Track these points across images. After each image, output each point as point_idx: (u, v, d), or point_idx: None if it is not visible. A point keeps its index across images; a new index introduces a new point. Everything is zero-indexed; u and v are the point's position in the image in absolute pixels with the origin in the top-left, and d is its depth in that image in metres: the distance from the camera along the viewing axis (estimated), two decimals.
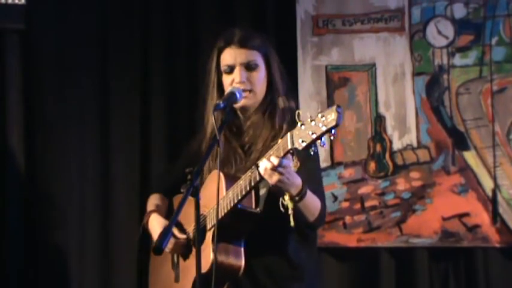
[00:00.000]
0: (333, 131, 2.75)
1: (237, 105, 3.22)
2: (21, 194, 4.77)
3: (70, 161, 4.85)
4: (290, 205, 3.01)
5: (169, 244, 3.25)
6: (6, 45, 4.80)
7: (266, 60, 3.26)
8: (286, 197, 3.01)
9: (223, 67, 3.26)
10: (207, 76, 3.32)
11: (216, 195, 3.02)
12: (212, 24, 4.88)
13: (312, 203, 3.09)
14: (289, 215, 3.01)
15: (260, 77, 3.24)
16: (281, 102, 3.26)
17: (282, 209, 3.02)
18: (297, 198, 3.01)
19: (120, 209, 4.87)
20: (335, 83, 4.84)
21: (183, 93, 4.93)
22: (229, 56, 3.24)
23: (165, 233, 2.86)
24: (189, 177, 2.98)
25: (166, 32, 4.94)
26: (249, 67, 3.23)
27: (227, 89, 3.23)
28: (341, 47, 4.83)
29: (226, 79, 3.25)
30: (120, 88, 4.92)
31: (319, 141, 2.79)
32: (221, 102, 3.12)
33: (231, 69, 3.24)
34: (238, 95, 3.17)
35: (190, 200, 2.90)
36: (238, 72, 3.22)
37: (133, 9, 4.95)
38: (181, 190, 3.15)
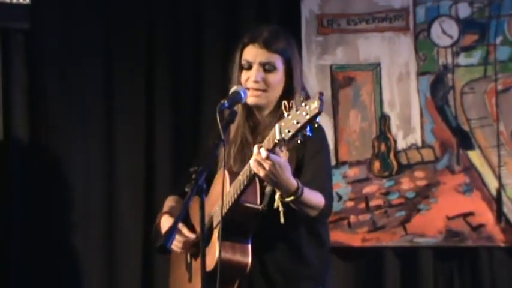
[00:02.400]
0: (317, 119, 2.76)
1: (250, 103, 3.24)
2: (25, 193, 4.78)
3: (74, 161, 4.85)
4: (278, 202, 3.04)
5: (180, 243, 3.26)
6: (11, 44, 4.80)
7: (287, 64, 3.26)
8: (277, 195, 3.03)
9: (243, 62, 3.27)
10: (230, 70, 3.34)
11: (221, 193, 3.02)
12: (216, 23, 4.89)
13: (310, 201, 3.08)
14: (279, 212, 3.03)
15: (276, 79, 3.24)
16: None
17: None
18: (287, 199, 3.02)
19: (124, 209, 4.87)
20: (340, 82, 4.84)
21: (188, 93, 4.93)
22: (250, 53, 3.26)
23: (170, 232, 2.86)
24: (193, 176, 2.97)
25: (170, 31, 4.95)
26: (267, 68, 3.24)
27: (243, 84, 3.24)
28: (346, 46, 4.83)
29: (244, 75, 3.27)
30: (125, 88, 4.92)
31: (305, 130, 2.79)
32: (226, 101, 3.13)
33: (249, 66, 3.26)
34: (242, 94, 3.18)
35: (199, 200, 2.92)
36: (255, 72, 3.23)
37: (137, 8, 4.95)
38: (186, 189, 3.15)
